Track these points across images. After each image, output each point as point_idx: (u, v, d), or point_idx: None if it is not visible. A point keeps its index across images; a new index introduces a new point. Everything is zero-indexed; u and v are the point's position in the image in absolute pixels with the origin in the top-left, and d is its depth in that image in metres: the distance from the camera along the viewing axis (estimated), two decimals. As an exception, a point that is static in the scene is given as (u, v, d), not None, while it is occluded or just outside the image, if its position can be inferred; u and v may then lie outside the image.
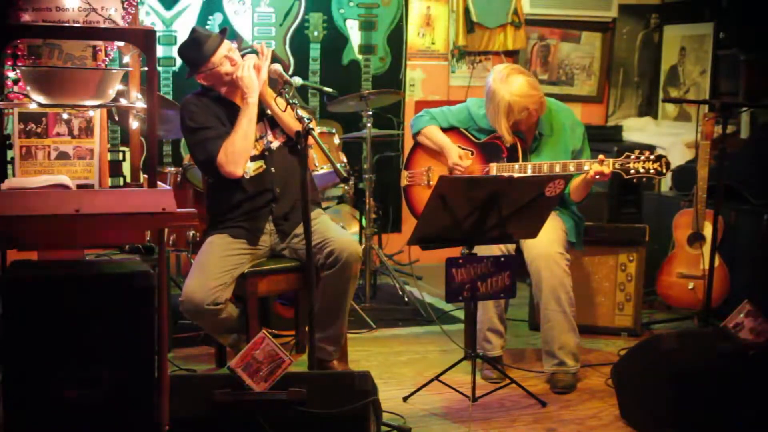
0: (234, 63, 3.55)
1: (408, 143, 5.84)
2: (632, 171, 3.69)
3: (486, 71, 6.20)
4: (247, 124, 3.50)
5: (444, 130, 4.05)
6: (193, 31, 3.60)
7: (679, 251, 4.57)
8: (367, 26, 5.91)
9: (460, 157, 3.95)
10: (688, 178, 4.75)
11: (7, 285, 2.46)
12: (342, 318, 3.64)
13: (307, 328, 3.45)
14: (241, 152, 3.50)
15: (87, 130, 3.44)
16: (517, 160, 3.87)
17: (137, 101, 3.69)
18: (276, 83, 3.55)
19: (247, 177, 3.60)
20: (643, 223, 4.64)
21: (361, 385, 2.80)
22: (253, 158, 3.62)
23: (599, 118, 6.55)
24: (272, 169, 3.65)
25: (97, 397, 2.47)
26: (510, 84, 3.74)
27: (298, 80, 3.83)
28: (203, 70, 3.56)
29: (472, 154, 4.00)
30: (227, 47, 3.57)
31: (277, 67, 3.54)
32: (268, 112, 3.66)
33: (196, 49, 3.54)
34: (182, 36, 5.39)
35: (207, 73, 3.57)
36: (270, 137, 3.68)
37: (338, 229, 3.68)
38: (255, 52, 3.60)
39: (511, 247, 3.75)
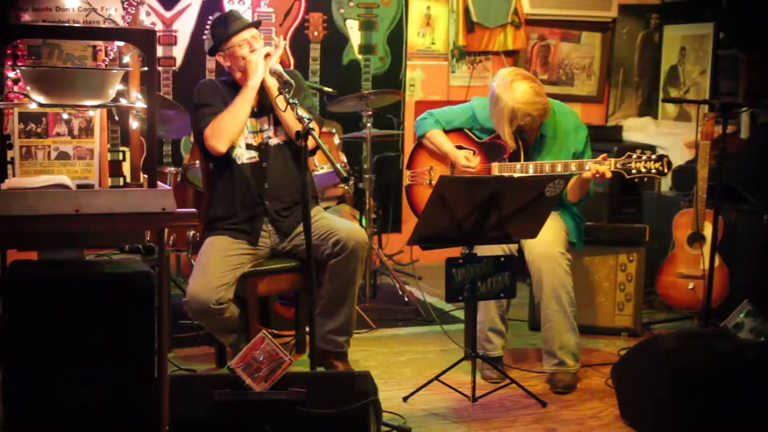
0: (253, 50, 3.60)
1: (408, 143, 5.86)
2: (634, 171, 3.69)
3: (486, 71, 6.21)
4: (240, 103, 3.55)
5: (447, 131, 4.06)
6: (230, 11, 3.72)
7: (679, 251, 4.56)
8: (367, 26, 5.91)
9: (467, 158, 3.95)
10: (688, 178, 4.75)
11: (7, 285, 2.46)
12: (351, 306, 3.64)
13: (307, 328, 3.46)
14: (226, 128, 3.54)
15: (87, 130, 3.44)
16: (519, 161, 3.87)
17: (137, 101, 3.69)
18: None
19: (239, 162, 3.63)
20: (643, 223, 4.64)
21: (361, 385, 2.80)
22: (249, 147, 3.66)
23: (599, 118, 6.54)
24: (264, 164, 3.67)
25: (97, 397, 2.47)
26: (514, 91, 3.73)
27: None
28: (223, 47, 3.62)
29: (474, 153, 4.00)
30: (251, 33, 3.63)
31: (278, 66, 3.55)
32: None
33: (222, 26, 3.63)
34: (182, 36, 5.41)
35: (226, 53, 3.63)
36: (270, 133, 3.70)
37: (342, 220, 3.73)
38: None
39: (513, 247, 3.75)
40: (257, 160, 3.67)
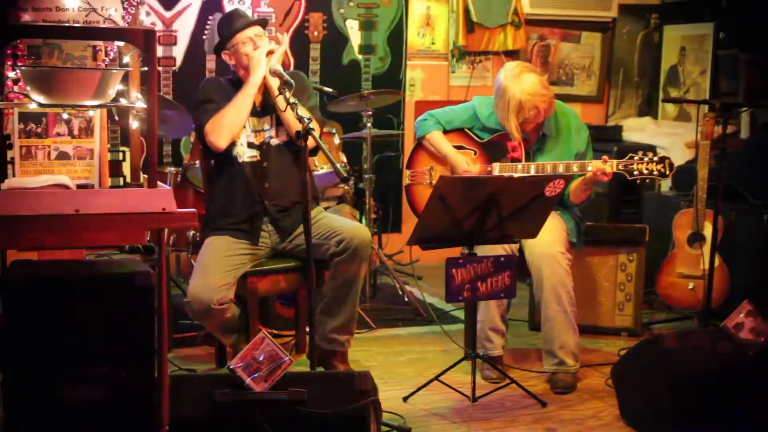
0: (257, 47, 3.60)
1: (408, 143, 5.85)
2: (636, 172, 3.69)
3: (486, 71, 6.21)
4: (241, 99, 3.55)
5: (447, 131, 4.06)
6: (235, 10, 3.75)
7: (679, 251, 4.56)
8: (367, 26, 5.91)
9: (468, 163, 3.95)
10: (688, 178, 4.75)
11: (7, 285, 2.46)
12: (353, 305, 3.64)
13: (307, 328, 3.46)
14: (227, 124, 3.54)
15: (87, 130, 3.44)
16: (520, 161, 3.87)
17: (137, 101, 3.69)
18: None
19: (240, 160, 3.63)
20: (643, 223, 4.64)
21: (361, 385, 2.80)
22: (251, 146, 3.66)
23: (599, 118, 6.54)
24: (265, 163, 3.67)
25: (97, 397, 2.47)
26: (522, 82, 3.74)
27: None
28: (227, 45, 3.64)
29: (475, 153, 4.00)
30: (255, 31, 3.63)
31: (278, 67, 3.55)
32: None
33: (227, 24, 3.65)
34: (182, 36, 5.41)
35: (230, 51, 3.64)
36: (272, 132, 3.70)
37: (344, 219, 3.74)
38: None
39: (514, 247, 3.75)
40: (258, 159, 3.67)
